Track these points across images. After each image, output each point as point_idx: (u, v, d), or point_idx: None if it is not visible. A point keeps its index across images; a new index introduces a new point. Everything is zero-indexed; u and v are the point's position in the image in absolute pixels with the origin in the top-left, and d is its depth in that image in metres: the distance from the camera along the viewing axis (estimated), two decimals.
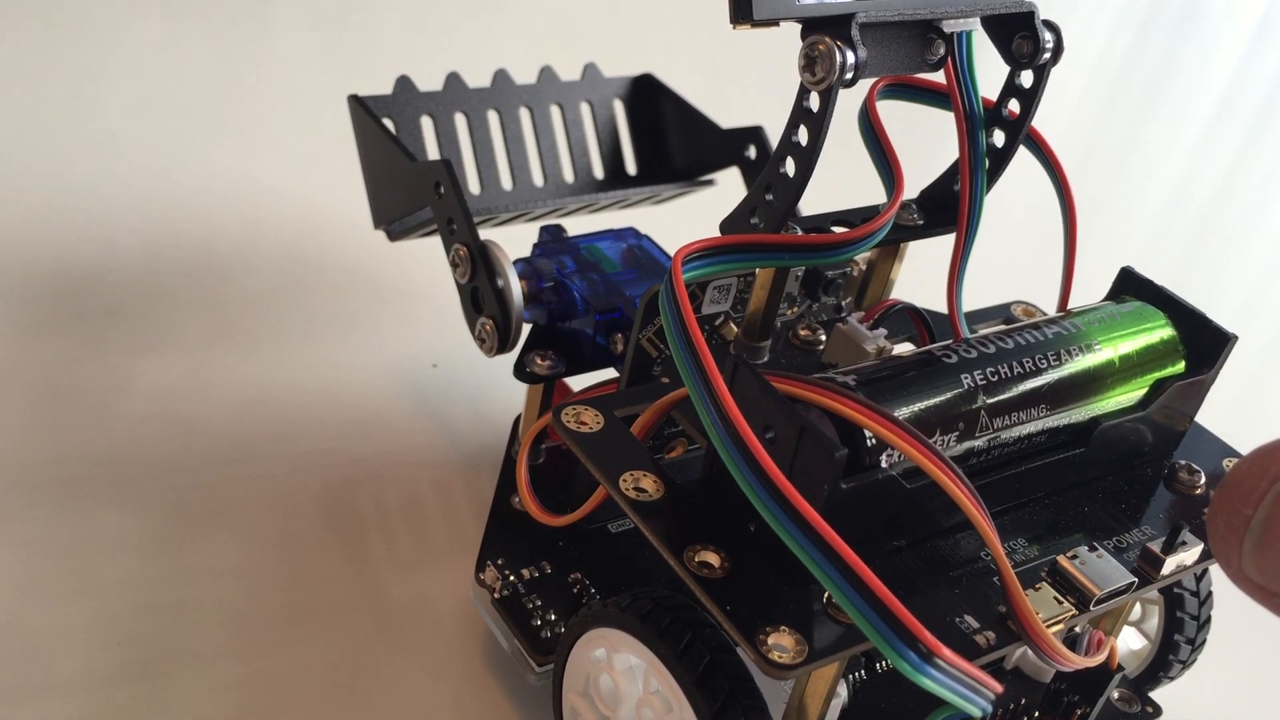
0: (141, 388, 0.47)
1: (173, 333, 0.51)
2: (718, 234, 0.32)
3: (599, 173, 0.54)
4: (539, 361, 0.41)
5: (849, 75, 0.29)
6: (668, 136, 0.55)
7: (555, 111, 0.53)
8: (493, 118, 0.51)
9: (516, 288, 0.40)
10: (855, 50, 0.28)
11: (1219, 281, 0.82)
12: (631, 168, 0.55)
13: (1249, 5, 1.48)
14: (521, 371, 0.41)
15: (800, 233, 0.32)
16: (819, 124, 0.29)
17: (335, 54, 0.79)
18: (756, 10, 0.28)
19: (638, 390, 0.35)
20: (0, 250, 0.53)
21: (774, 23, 0.29)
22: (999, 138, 0.35)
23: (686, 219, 0.46)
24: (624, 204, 0.52)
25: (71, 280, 0.52)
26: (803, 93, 0.29)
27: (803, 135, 0.30)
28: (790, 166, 0.31)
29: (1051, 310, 0.37)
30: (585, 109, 0.53)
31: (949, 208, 0.36)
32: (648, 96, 0.55)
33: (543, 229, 0.45)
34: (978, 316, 0.40)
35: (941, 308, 0.35)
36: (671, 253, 0.29)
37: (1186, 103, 1.13)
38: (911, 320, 0.37)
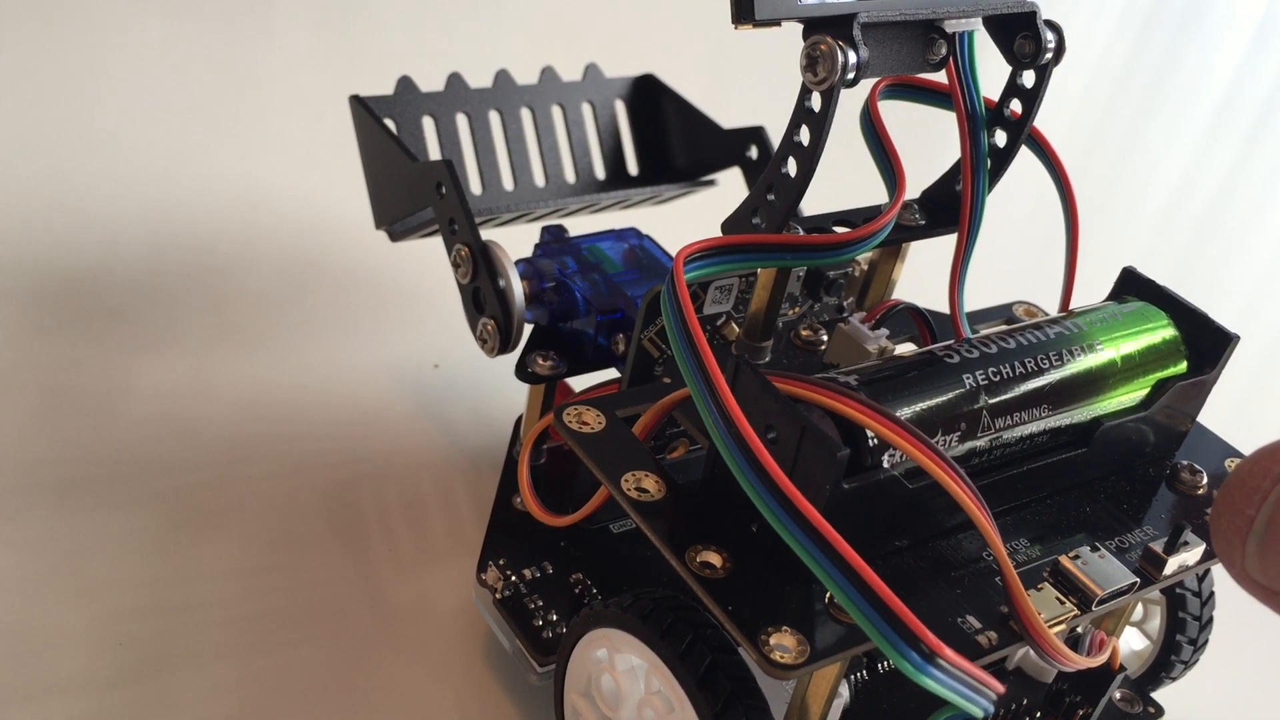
0: (143, 388, 0.47)
1: (174, 333, 0.51)
2: (719, 234, 0.32)
3: (600, 173, 0.54)
4: (540, 362, 0.41)
5: (851, 75, 0.29)
6: (669, 137, 0.55)
7: (557, 112, 0.53)
8: (494, 118, 0.51)
9: (518, 288, 0.40)
10: (857, 50, 0.28)
11: (1221, 281, 0.82)
12: (633, 168, 0.55)
13: (1250, 5, 1.48)
14: (523, 372, 0.41)
15: (802, 233, 0.32)
16: (821, 124, 0.29)
17: (336, 54, 0.79)
18: (758, 10, 0.28)
19: (639, 390, 0.35)
20: (2, 251, 0.53)
21: (776, 23, 0.29)
22: (1001, 138, 0.35)
23: (688, 219, 0.46)
24: (625, 204, 0.52)
25: (73, 281, 0.52)
26: (804, 93, 0.29)
27: (804, 135, 0.30)
28: (792, 167, 0.31)
29: (1053, 310, 0.37)
30: (587, 109, 0.53)
31: (950, 208, 0.36)
32: (649, 97, 0.55)
33: (544, 229, 0.45)
34: (979, 317, 0.40)
35: (943, 308, 0.35)
36: (673, 253, 0.29)
37: (1188, 102, 1.13)
38: (913, 320, 0.37)
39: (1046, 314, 0.41)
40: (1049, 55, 0.33)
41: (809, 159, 0.30)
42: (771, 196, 0.31)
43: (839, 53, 0.28)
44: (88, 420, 0.45)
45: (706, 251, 0.30)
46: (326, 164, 0.60)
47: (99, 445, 0.44)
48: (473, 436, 0.49)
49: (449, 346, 0.52)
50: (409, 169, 0.44)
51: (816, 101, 0.29)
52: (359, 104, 0.47)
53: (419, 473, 0.46)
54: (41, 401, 0.45)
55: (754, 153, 0.52)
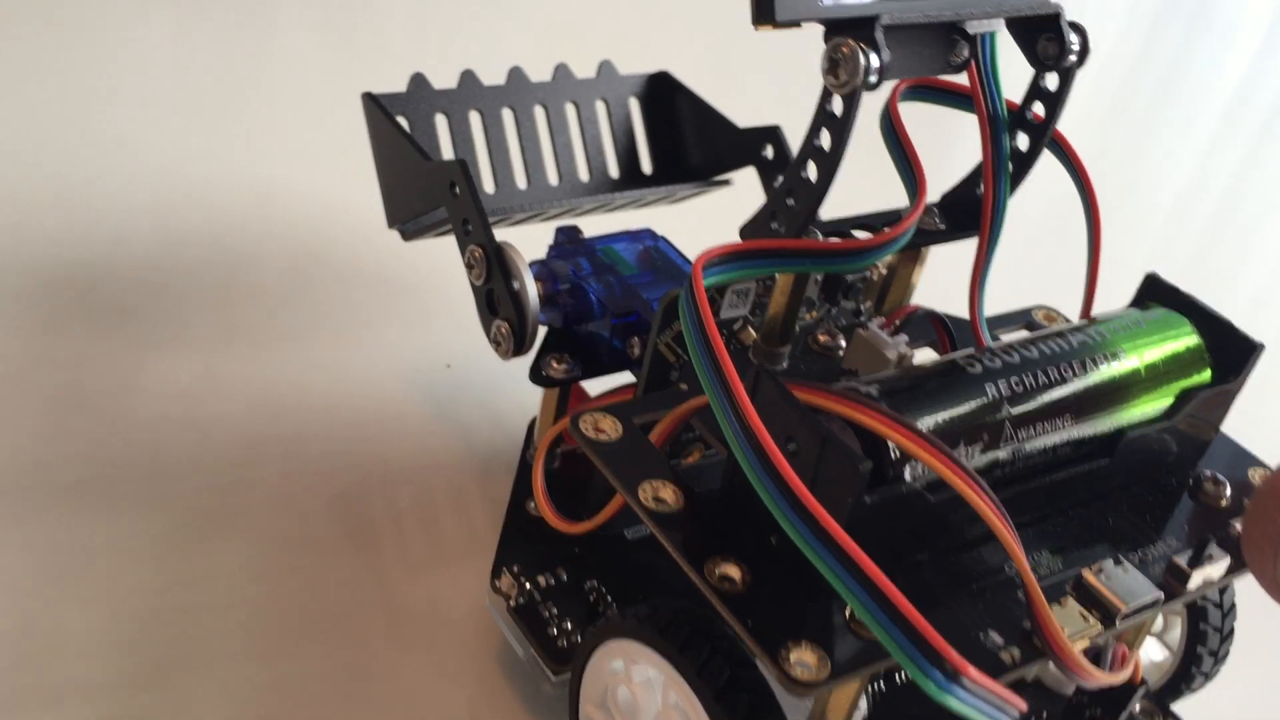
0: (152, 388, 0.47)
1: (183, 332, 0.50)
2: (737, 238, 0.31)
3: (614, 172, 0.53)
4: (555, 365, 0.40)
5: (873, 78, 0.28)
6: (684, 135, 0.54)
7: (570, 110, 0.52)
8: (508, 116, 0.51)
9: (532, 290, 0.40)
10: (879, 52, 0.28)
11: (1236, 287, 0.81)
12: (647, 167, 0.54)
13: (1261, 4, 1.47)
14: (538, 375, 0.40)
15: (821, 238, 0.32)
16: (842, 128, 0.29)
17: (349, 51, 0.79)
18: (779, 11, 0.28)
19: (656, 397, 0.34)
20: (10, 249, 0.52)
21: (796, 24, 0.28)
22: (1022, 141, 0.34)
23: (703, 219, 0.46)
24: (640, 204, 0.51)
25: (81, 279, 0.52)
26: (826, 96, 0.29)
27: (825, 139, 0.29)
28: (812, 171, 0.30)
29: (1072, 315, 0.36)
30: (601, 107, 0.53)
31: (971, 212, 0.35)
32: (664, 95, 0.54)
33: (558, 230, 0.44)
34: (998, 321, 0.40)
35: (960, 310, 0.35)
36: (689, 255, 0.29)
37: (1197, 102, 1.12)
38: (933, 326, 0.36)
39: (1066, 318, 0.40)
40: (1073, 57, 0.32)
41: (830, 164, 0.30)
42: (791, 201, 0.31)
43: (861, 55, 0.28)
44: (96, 419, 0.45)
45: (725, 257, 0.29)
46: (337, 162, 0.59)
47: (108, 445, 0.44)
48: (486, 438, 0.48)
49: (461, 347, 0.52)
50: (422, 168, 0.43)
51: (838, 105, 0.29)
52: (372, 101, 0.46)
53: (431, 474, 0.46)
54: (51, 401, 0.45)
55: (770, 152, 0.51)
